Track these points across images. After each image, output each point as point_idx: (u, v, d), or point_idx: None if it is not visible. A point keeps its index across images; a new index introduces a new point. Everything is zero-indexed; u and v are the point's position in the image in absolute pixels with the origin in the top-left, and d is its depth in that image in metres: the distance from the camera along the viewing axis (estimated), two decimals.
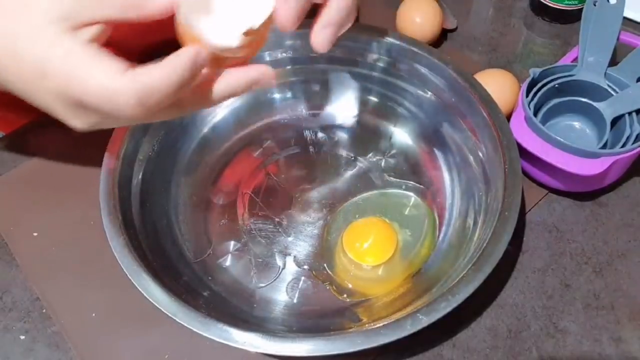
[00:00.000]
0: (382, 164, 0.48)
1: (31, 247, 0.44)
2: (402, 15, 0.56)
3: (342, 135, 0.50)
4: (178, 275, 0.40)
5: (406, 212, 0.45)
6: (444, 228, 0.44)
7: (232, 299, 0.40)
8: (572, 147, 0.41)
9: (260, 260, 0.43)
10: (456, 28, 0.60)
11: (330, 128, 0.51)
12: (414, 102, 0.49)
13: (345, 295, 0.41)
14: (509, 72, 0.49)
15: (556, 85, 0.46)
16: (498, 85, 0.47)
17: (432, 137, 0.48)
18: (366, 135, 0.50)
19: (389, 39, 0.47)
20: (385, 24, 0.49)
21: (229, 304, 0.40)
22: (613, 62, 0.47)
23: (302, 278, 0.42)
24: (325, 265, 0.42)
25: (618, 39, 0.47)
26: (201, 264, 0.42)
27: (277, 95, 0.51)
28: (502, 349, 0.39)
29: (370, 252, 0.41)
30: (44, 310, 0.41)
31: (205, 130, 0.49)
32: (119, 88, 0.27)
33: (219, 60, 0.30)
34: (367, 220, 0.44)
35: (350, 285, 0.41)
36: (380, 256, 0.41)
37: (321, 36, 0.34)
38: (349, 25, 0.35)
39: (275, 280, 0.42)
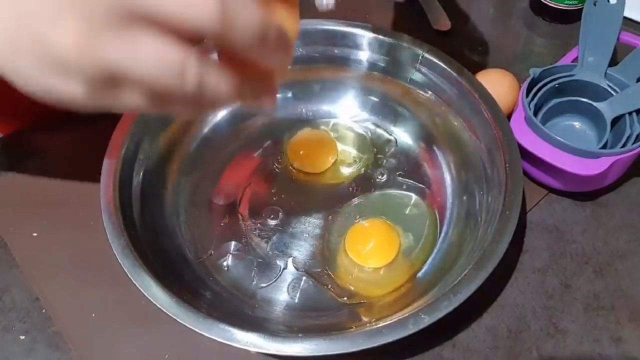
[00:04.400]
0: (383, 163, 0.48)
1: (31, 247, 0.44)
2: None
3: (342, 135, 0.50)
4: (179, 275, 0.40)
5: (407, 212, 0.45)
6: (444, 227, 0.44)
7: (234, 299, 0.40)
8: (572, 147, 0.41)
9: (261, 260, 0.43)
10: (450, 29, 0.59)
11: (330, 128, 0.51)
12: (414, 102, 0.49)
13: (345, 298, 0.41)
14: (509, 72, 0.49)
15: (556, 85, 0.46)
16: (498, 85, 0.47)
17: (432, 137, 0.48)
18: (366, 135, 0.50)
19: (389, 39, 0.47)
20: None
21: (230, 304, 0.40)
22: (613, 62, 0.47)
23: (303, 278, 0.42)
24: (326, 266, 0.42)
25: (618, 39, 0.47)
26: (202, 264, 0.42)
27: (277, 95, 0.51)
28: (502, 349, 0.39)
29: (373, 255, 0.41)
30: (44, 310, 0.41)
31: (205, 130, 0.49)
32: None
33: None
34: (370, 223, 0.44)
35: (352, 287, 0.41)
36: (382, 259, 0.41)
37: None
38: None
39: (276, 280, 0.42)
